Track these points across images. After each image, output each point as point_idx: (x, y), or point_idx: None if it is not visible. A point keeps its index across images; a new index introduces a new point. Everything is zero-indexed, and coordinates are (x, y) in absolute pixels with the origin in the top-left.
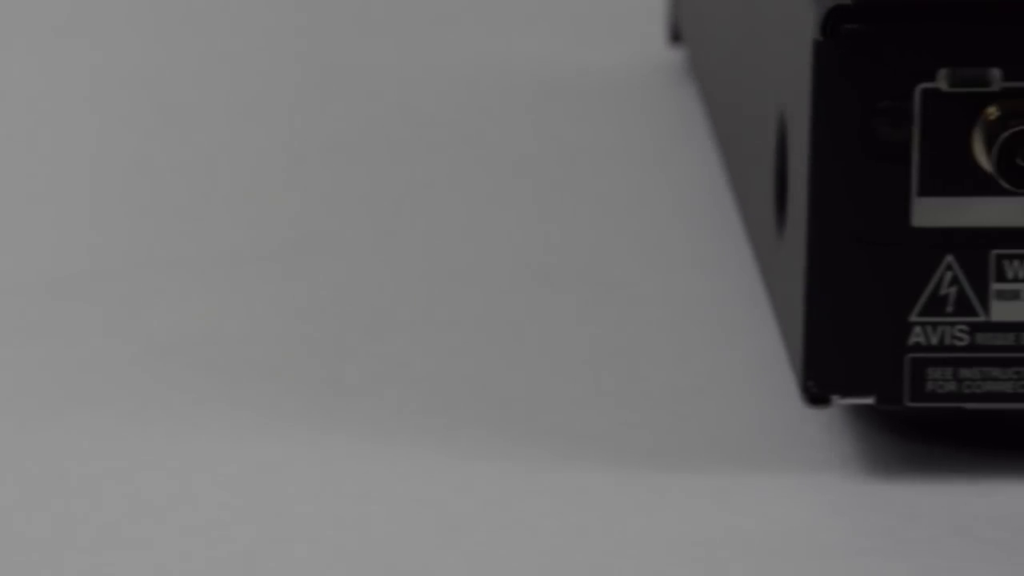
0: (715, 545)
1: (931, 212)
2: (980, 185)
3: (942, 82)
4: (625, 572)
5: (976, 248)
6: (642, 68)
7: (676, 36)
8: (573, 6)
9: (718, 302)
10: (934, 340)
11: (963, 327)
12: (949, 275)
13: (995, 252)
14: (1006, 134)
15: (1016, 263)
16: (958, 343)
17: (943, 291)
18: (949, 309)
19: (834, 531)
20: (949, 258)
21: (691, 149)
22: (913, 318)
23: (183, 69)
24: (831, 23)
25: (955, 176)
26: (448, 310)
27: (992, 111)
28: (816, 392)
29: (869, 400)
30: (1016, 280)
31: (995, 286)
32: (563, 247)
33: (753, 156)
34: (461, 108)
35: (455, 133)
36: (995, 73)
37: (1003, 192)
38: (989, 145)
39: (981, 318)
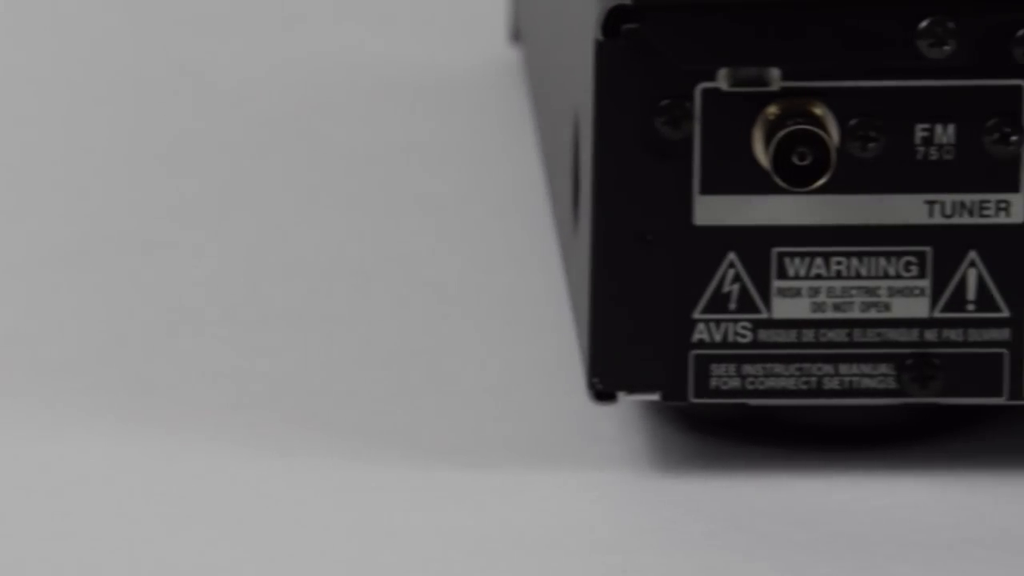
0: (495, 540)
1: (713, 210)
2: (761, 184)
3: (722, 82)
4: (402, 567)
5: (758, 246)
6: (483, 67)
7: (517, 36)
8: (420, 3)
9: (530, 300)
10: (717, 337)
11: (746, 324)
12: (732, 273)
13: (777, 250)
14: (782, 133)
15: (797, 261)
16: (741, 340)
17: (726, 288)
18: (732, 306)
19: (616, 525)
20: (731, 256)
21: (518, 148)
22: (697, 315)
23: (8, 66)
24: (611, 23)
25: (736, 175)
26: (260, 307)
27: (771, 110)
28: (602, 389)
29: (655, 396)
30: (797, 278)
31: (777, 283)
32: (382, 244)
33: (558, 155)
34: (297, 105)
35: (288, 130)
36: (774, 73)
37: (784, 190)
38: (767, 143)
39: (763, 315)
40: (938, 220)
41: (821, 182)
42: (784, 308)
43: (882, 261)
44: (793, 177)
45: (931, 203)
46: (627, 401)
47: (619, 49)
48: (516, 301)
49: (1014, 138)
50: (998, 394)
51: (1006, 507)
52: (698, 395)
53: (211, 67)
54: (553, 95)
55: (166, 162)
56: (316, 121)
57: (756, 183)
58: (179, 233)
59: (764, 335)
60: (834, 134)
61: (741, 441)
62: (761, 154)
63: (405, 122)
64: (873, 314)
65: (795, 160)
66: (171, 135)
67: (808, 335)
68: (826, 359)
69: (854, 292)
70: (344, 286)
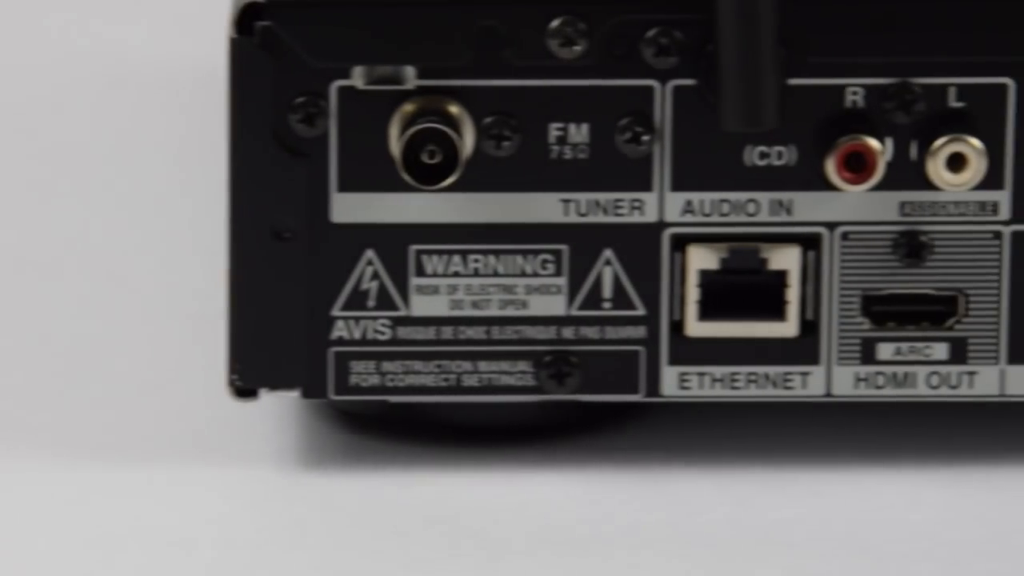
0: (123, 538)
1: (351, 208)
2: (399, 182)
3: (357, 80)
4: (29, 565)
5: (396, 244)
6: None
7: None
8: None
9: (210, 298)
10: (357, 334)
11: (385, 321)
12: (370, 270)
13: (415, 248)
14: (412, 131)
15: (435, 259)
16: (380, 337)
17: (364, 286)
18: (371, 304)
19: (248, 523)
20: (369, 253)
21: None
22: (335, 312)
23: None
24: (244, 20)
25: (374, 173)
26: None
27: (407, 108)
28: (242, 385)
29: (295, 393)
30: (435, 275)
31: (415, 281)
32: (80, 239)
33: None
34: (25, 96)
35: (10, 122)
36: (409, 71)
37: (421, 188)
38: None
39: (402, 312)
40: (573, 219)
41: (449, 181)
42: (423, 306)
43: (519, 259)
44: (422, 175)
45: (566, 202)
46: (284, 398)
47: (252, 46)
48: (196, 299)
49: (646, 138)
50: (635, 391)
51: (640, 503)
52: (338, 392)
53: None
54: None
55: None
56: (41, 113)
57: (394, 181)
58: None
59: (403, 332)
60: (469, 133)
61: (391, 438)
62: (396, 152)
63: (132, 115)
64: (511, 312)
65: (424, 158)
66: None
67: (447, 332)
68: (465, 356)
69: (492, 290)
70: (29, 279)
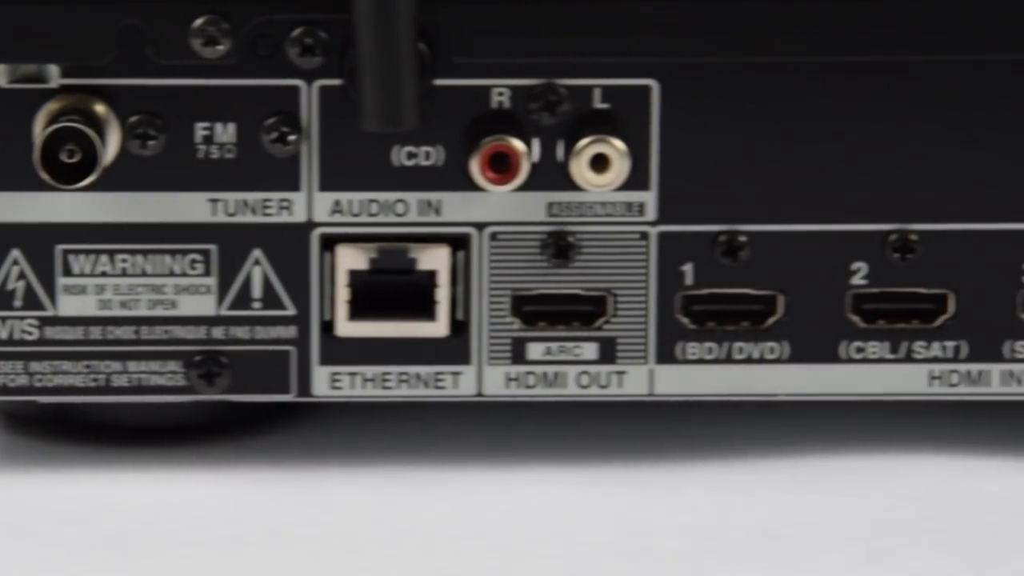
0: None
1: None
2: (44, 181)
3: (1, 78)
4: None
5: (42, 243)
6: None
7: None
8: None
9: None
10: (4, 334)
11: (32, 321)
12: (16, 270)
13: (61, 247)
14: (49, 130)
15: (83, 258)
16: (27, 337)
17: (11, 286)
18: (18, 304)
19: None
20: (15, 253)
21: None
22: None
23: None
24: None
25: (19, 172)
26: None
27: (51, 107)
28: None
29: None
30: (83, 275)
31: (62, 281)
32: None
33: None
34: None
35: None
36: (53, 70)
37: (60, 187)
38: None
39: (49, 312)
40: (221, 218)
41: (89, 181)
42: (70, 305)
43: (168, 259)
44: (63, 174)
45: (214, 201)
46: None
47: None
48: None
49: (292, 137)
50: (286, 391)
51: (285, 503)
52: None
53: None
54: None
55: None
56: None
57: (39, 180)
58: None
59: (51, 332)
60: (114, 132)
61: (47, 438)
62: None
63: None
64: (160, 312)
65: (64, 157)
66: None
67: (95, 332)
68: (114, 356)
69: (141, 290)
70: None
